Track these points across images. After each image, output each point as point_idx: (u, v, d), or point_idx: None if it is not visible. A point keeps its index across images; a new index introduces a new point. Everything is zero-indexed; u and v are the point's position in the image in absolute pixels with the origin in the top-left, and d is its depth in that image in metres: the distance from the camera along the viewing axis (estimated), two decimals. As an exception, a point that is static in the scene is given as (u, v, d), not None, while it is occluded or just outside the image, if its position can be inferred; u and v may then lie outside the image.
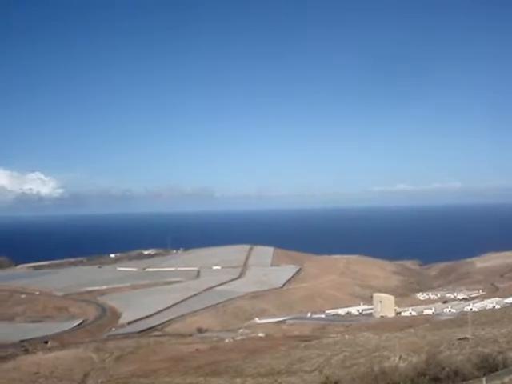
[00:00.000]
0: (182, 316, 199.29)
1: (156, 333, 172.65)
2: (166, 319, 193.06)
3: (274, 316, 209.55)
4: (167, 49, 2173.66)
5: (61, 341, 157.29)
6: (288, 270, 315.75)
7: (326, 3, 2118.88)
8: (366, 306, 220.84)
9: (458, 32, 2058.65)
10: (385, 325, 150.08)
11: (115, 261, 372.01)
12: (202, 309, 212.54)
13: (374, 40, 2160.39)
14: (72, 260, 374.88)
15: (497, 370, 27.60)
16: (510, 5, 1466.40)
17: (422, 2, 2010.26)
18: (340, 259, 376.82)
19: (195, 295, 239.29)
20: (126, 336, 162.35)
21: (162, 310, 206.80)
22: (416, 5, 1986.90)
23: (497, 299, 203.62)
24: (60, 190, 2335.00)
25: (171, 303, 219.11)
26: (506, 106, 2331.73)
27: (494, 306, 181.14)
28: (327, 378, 55.90)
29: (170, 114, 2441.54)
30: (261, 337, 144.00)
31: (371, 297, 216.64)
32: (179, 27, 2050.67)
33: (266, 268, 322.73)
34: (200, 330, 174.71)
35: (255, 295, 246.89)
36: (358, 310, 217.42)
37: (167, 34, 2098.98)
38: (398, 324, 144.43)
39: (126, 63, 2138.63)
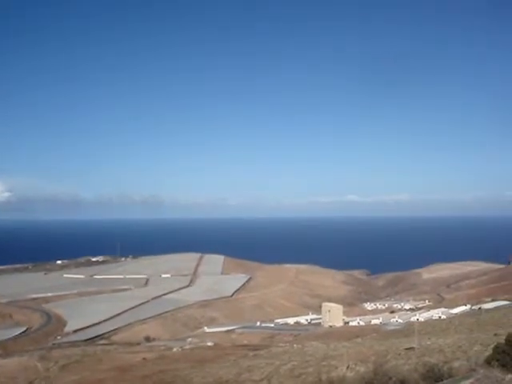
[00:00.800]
0: (130, 324, 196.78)
1: (103, 341, 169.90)
2: (113, 327, 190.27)
3: (223, 325, 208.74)
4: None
5: (4, 349, 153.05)
6: (238, 279, 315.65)
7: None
8: (314, 316, 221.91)
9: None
10: (333, 334, 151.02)
11: (62, 267, 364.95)
12: (151, 317, 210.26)
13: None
14: (17, 266, 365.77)
15: (442, 380, 28.02)
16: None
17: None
18: (290, 269, 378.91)
19: (143, 303, 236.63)
20: (72, 344, 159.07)
21: (109, 318, 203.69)
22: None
23: (443, 309, 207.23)
24: (7, 194, 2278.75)
25: (119, 311, 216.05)
26: (455, 122, 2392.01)
27: (439, 317, 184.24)
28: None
29: (121, 121, 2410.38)
30: (209, 346, 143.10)
31: (320, 306, 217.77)
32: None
33: (216, 276, 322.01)
34: (148, 339, 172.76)
35: (205, 304, 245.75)
36: (306, 320, 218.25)
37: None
38: (345, 334, 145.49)
39: (69, 69, 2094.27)
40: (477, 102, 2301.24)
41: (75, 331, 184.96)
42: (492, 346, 32.92)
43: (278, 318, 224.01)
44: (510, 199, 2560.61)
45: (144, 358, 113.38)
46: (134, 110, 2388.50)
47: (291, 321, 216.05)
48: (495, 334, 63.68)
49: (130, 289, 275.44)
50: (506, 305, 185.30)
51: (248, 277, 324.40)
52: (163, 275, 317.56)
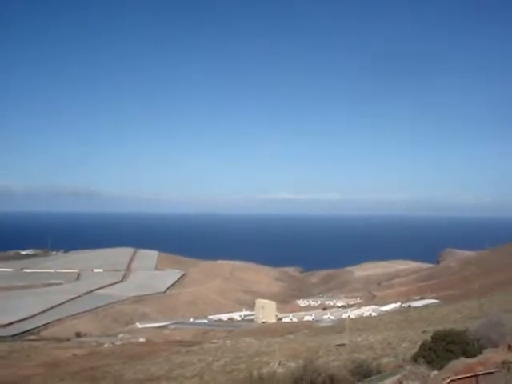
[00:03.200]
0: (60, 320, 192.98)
1: (31, 337, 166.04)
2: (42, 323, 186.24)
3: (155, 321, 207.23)
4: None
5: None
6: (172, 275, 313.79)
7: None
8: (248, 312, 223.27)
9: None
10: (266, 330, 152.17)
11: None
12: (82, 312, 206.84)
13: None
14: None
15: (370, 376, 28.66)
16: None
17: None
18: (225, 265, 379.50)
19: (74, 298, 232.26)
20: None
21: (38, 313, 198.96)
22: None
23: (373, 307, 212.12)
24: None
25: (49, 306, 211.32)
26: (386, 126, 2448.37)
27: (370, 314, 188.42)
28: (207, 383, 55.86)
29: (52, 110, 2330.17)
30: (141, 342, 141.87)
31: (254, 303, 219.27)
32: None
33: (150, 272, 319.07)
34: (78, 335, 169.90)
35: (137, 299, 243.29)
36: (240, 316, 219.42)
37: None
38: (278, 330, 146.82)
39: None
40: (406, 104, 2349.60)
41: (2, 326, 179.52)
42: (420, 342, 33.90)
43: (211, 314, 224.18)
44: (438, 200, 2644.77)
45: (74, 354, 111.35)
46: (66, 97, 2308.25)
47: (225, 317, 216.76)
48: (423, 332, 65.48)
49: (61, 283, 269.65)
50: (434, 303, 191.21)
51: (182, 273, 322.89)
52: (95, 270, 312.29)
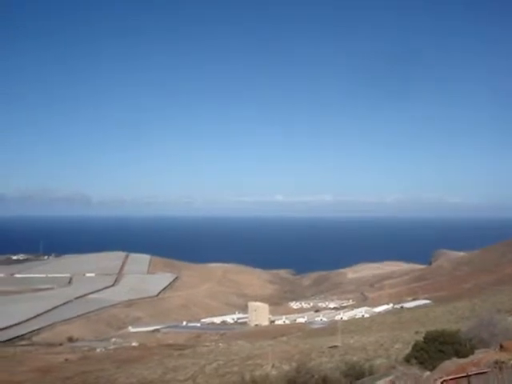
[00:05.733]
0: (52, 324, 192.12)
1: (23, 342, 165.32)
2: (34, 328, 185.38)
3: (148, 324, 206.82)
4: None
5: None
6: (164, 278, 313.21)
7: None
8: (241, 315, 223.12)
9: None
10: (259, 333, 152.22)
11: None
12: (74, 317, 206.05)
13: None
14: None
15: (363, 377, 28.71)
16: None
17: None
18: (217, 268, 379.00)
19: (66, 303, 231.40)
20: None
21: (30, 319, 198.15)
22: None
23: (366, 308, 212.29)
24: None
25: (41, 311, 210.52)
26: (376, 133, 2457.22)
27: (363, 315, 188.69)
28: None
29: (43, 113, 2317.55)
30: (134, 346, 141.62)
31: (246, 305, 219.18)
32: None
33: (142, 276, 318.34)
34: (71, 339, 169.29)
35: (130, 303, 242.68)
36: (233, 319, 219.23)
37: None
38: (271, 332, 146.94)
39: None
40: (403, 107, 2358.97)
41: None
42: (412, 343, 33.98)
43: (204, 318, 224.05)
44: (427, 201, 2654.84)
45: (66, 359, 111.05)
46: (57, 102, 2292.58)
47: (217, 320, 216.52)
48: (416, 332, 65.61)
49: (53, 288, 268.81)
50: (426, 303, 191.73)
51: (174, 276, 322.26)
52: (87, 274, 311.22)
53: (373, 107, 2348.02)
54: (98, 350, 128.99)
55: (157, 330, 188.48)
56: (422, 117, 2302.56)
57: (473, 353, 26.39)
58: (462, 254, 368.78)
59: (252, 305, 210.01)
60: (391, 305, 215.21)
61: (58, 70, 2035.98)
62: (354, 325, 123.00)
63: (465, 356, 25.16)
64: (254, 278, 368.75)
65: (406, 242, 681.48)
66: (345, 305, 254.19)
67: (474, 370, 21.10)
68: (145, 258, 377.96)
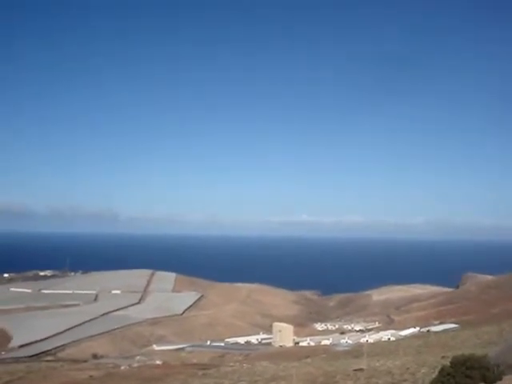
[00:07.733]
0: (77, 341, 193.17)
1: (49, 358, 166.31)
2: (59, 344, 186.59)
3: (172, 343, 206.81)
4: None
5: None
6: (189, 297, 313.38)
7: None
8: (265, 335, 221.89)
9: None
10: (283, 354, 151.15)
11: (8, 281, 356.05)
12: (99, 334, 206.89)
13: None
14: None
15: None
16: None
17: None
18: (242, 288, 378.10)
19: (92, 320, 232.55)
20: (17, 360, 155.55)
21: (56, 334, 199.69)
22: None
23: (392, 331, 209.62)
24: None
25: (66, 327, 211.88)
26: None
27: (389, 338, 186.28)
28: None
29: (73, 128, 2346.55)
30: (158, 364, 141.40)
31: (271, 326, 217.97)
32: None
33: (167, 294, 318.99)
34: (95, 356, 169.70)
35: (154, 321, 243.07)
36: (257, 339, 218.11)
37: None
38: (295, 354, 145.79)
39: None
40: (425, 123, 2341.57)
41: (20, 347, 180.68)
42: (439, 368, 33.55)
43: (228, 337, 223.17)
44: (458, 224, 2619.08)
45: (91, 376, 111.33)
46: (86, 119, 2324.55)
47: (242, 340, 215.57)
48: (443, 357, 64.76)
49: (79, 304, 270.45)
50: (453, 327, 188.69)
51: (199, 295, 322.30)
52: (113, 291, 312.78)
53: (406, 127, 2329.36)
54: (123, 368, 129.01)
55: (181, 349, 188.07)
56: (457, 139, 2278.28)
57: (501, 379, 26.01)
58: (490, 277, 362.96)
59: (277, 325, 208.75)
60: (417, 328, 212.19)
61: (91, 95, 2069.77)
62: (380, 348, 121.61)
63: (492, 382, 24.82)
64: (278, 299, 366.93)
65: (434, 264, 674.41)
66: (370, 327, 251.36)
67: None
68: (170, 276, 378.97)
